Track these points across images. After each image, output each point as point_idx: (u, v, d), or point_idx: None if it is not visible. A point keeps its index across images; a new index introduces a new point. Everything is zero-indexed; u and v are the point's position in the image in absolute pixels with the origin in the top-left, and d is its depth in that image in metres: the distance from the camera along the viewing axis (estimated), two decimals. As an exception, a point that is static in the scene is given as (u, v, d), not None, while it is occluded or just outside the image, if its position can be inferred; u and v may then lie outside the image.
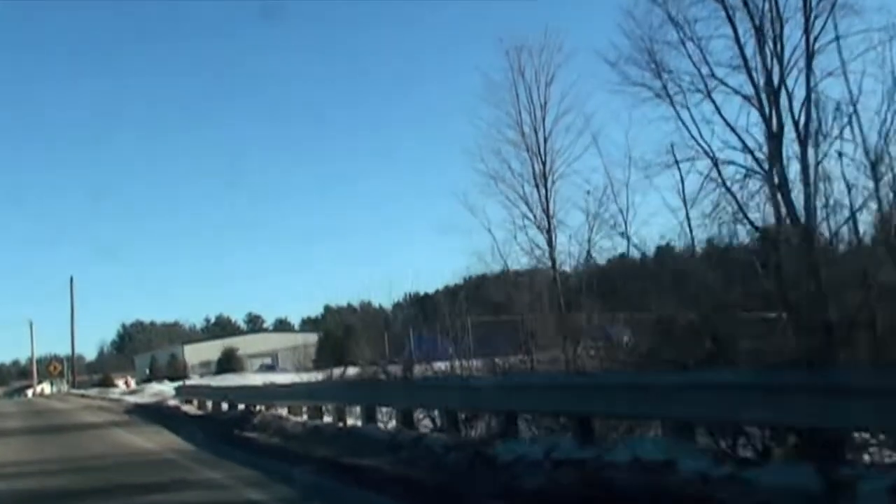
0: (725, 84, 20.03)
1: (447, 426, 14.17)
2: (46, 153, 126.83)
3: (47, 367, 70.91)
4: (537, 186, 26.42)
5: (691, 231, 17.71)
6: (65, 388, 64.96)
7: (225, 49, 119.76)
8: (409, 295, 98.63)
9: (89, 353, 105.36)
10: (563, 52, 24.53)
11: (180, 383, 31.82)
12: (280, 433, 13.60)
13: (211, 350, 67.42)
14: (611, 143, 20.44)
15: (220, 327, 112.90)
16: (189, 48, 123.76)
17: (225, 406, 21.71)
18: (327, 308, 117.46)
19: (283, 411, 17.24)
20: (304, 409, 16.38)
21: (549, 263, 26.95)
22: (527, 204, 26.53)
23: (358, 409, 13.89)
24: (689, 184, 20.00)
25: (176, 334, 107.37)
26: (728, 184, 20.41)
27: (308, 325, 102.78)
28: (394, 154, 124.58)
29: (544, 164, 26.20)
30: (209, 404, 23.45)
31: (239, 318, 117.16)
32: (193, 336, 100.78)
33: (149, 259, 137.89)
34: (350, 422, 14.14)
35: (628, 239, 25.15)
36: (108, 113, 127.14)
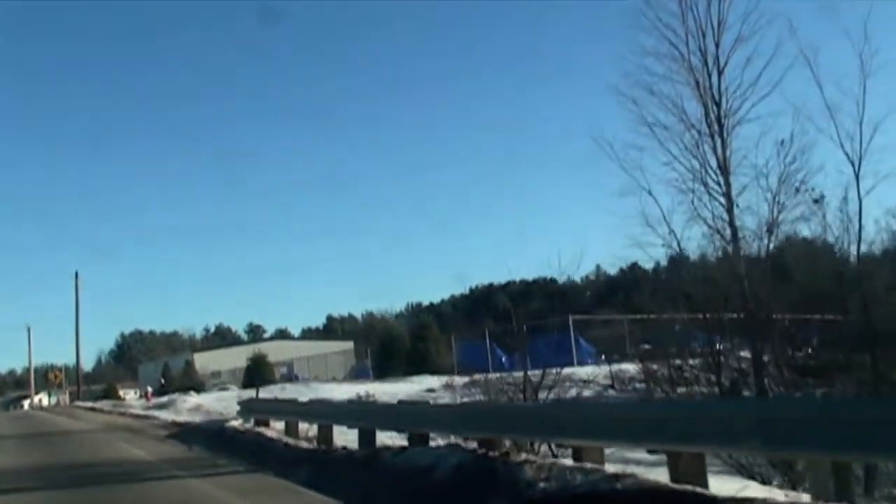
0: None
1: None
2: (44, 156, 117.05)
3: (46, 376, 60.97)
4: (712, 136, 18.18)
5: None
6: (65, 398, 55.18)
7: (226, 49, 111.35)
8: (413, 305, 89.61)
9: (87, 363, 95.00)
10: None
11: (241, 396, 22.64)
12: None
13: (222, 359, 58.63)
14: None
15: (220, 337, 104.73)
16: (190, 48, 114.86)
17: (351, 437, 12.90)
18: (329, 318, 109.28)
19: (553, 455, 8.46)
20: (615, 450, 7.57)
21: (729, 237, 18.41)
22: (696, 158, 18.27)
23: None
24: None
25: (177, 343, 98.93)
26: None
27: (310, 334, 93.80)
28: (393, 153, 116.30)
29: (718, 105, 18.05)
30: (311, 430, 14.59)
31: (239, 328, 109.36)
32: (194, 345, 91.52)
33: (146, 268, 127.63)
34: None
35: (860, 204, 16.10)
36: (108, 117, 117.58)
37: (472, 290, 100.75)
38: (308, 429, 14.86)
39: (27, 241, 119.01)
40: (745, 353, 15.32)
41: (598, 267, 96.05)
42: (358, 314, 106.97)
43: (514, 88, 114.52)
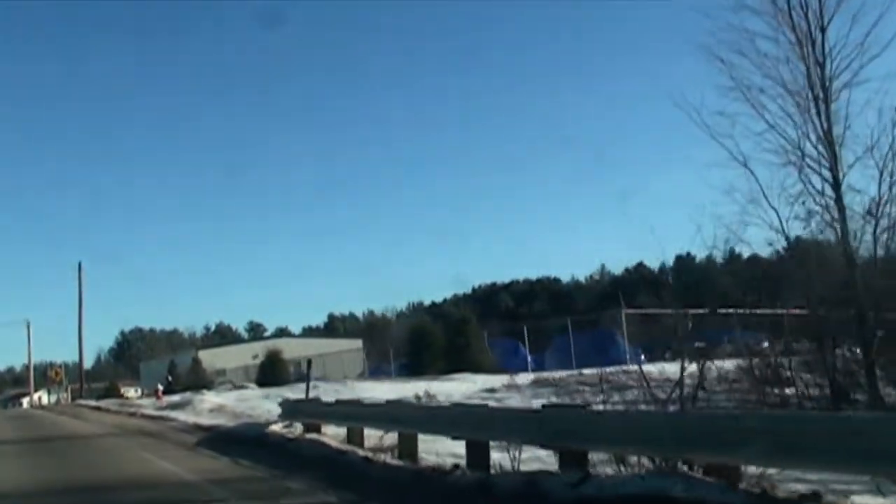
0: None
1: None
2: (45, 156, 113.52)
3: (45, 373, 57.50)
4: (815, 100, 14.99)
5: None
6: (67, 396, 51.71)
7: (227, 50, 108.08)
8: (414, 304, 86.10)
9: (87, 361, 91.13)
10: None
11: (268, 395, 19.36)
12: None
13: (226, 356, 55.24)
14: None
15: (221, 335, 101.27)
16: (191, 49, 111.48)
17: (431, 447, 9.70)
18: (331, 316, 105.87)
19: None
20: None
21: (835, 216, 15.11)
22: (795, 127, 15.14)
23: None
24: None
25: (177, 341, 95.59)
26: None
27: (311, 332, 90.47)
28: (393, 152, 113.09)
29: (822, 66, 14.85)
30: (386, 439, 11.39)
31: (240, 327, 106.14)
32: (195, 343, 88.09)
33: (147, 267, 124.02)
34: None
35: None
36: (109, 117, 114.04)
37: (474, 290, 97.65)
38: (382, 437, 11.60)
39: (26, 238, 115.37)
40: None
41: (602, 266, 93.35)
42: (359, 313, 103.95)
43: (515, 87, 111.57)
